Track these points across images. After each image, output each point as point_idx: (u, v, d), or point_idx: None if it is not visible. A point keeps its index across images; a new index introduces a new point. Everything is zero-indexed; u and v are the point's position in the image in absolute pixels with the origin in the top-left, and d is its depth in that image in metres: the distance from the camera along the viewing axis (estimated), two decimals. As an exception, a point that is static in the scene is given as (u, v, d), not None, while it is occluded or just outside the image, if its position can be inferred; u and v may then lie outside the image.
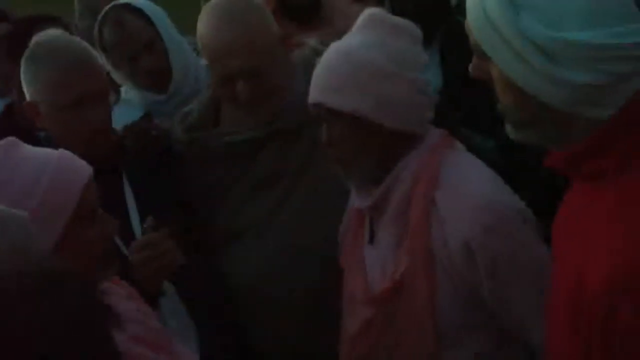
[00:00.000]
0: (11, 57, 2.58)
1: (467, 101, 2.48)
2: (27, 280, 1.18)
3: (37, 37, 2.26)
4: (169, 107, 2.74)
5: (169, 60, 2.77)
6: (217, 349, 2.17)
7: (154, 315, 1.86)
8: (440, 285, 1.87)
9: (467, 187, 1.89)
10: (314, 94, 1.96)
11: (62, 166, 1.71)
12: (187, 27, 2.36)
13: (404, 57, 1.93)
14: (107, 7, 2.78)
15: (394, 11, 2.62)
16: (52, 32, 2.33)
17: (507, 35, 1.33)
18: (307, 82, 2.01)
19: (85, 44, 2.27)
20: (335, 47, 1.97)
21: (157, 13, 2.80)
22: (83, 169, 1.75)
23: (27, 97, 2.24)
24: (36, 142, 2.08)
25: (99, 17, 2.78)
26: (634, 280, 1.22)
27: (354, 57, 1.91)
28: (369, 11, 1.99)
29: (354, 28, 1.97)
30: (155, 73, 2.78)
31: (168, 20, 2.82)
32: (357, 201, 2.03)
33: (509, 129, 1.46)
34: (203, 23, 2.26)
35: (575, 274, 1.34)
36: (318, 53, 2.10)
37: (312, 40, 2.45)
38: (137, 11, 2.77)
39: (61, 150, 1.76)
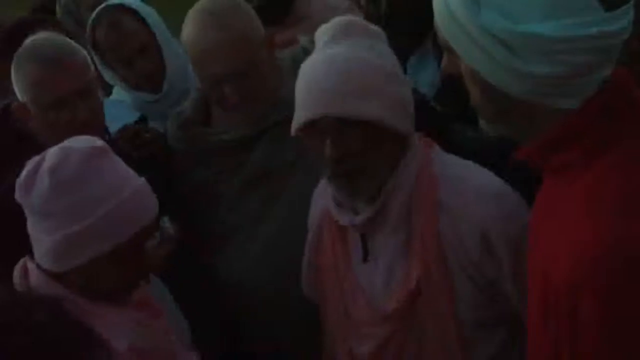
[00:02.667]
0: (5, 59, 2.58)
1: (466, 95, 2.46)
2: None
3: (27, 40, 2.29)
4: (162, 107, 2.75)
5: (163, 60, 2.76)
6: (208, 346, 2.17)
7: (160, 326, 1.86)
8: (458, 285, 1.85)
9: (470, 181, 1.88)
10: (328, 106, 1.80)
11: (135, 198, 1.71)
12: (176, 28, 2.37)
13: (396, 61, 1.92)
14: (100, 7, 2.76)
15: (390, 11, 2.62)
16: (40, 34, 2.37)
17: (469, 30, 1.36)
18: (296, 80, 1.95)
19: (68, 41, 2.29)
20: (331, 55, 1.84)
21: (151, 14, 2.79)
22: (151, 208, 1.76)
23: (19, 98, 2.26)
24: (32, 143, 2.08)
25: (92, 16, 2.76)
26: (597, 272, 1.24)
27: (368, 64, 1.83)
28: (347, 19, 1.93)
29: (331, 36, 1.87)
30: (150, 74, 2.76)
31: (161, 20, 2.81)
32: (344, 219, 1.95)
33: (481, 123, 1.50)
34: (187, 28, 2.24)
35: (543, 267, 1.36)
36: (307, 52, 2.06)
37: (303, 38, 2.45)
38: (132, 12, 2.75)
39: (141, 181, 1.76)
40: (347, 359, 2.02)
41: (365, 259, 1.96)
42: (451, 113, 2.40)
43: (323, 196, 2.04)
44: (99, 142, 1.75)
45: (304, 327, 2.24)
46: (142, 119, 2.81)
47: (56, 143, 1.86)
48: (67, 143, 1.74)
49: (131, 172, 1.76)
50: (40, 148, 1.78)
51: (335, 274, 2.02)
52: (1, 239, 2.04)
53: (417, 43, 2.68)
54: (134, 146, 2.39)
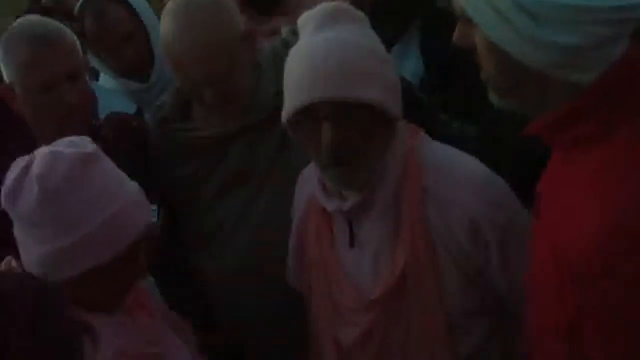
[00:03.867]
0: None
1: (450, 86, 2.49)
2: None
3: (15, 23, 2.26)
4: (151, 95, 2.75)
5: (151, 48, 2.76)
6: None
7: (151, 327, 1.81)
8: (445, 272, 1.85)
9: (458, 167, 1.87)
10: (331, 89, 1.74)
11: (128, 208, 1.63)
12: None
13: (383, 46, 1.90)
14: None
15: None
16: (28, 17, 2.33)
17: None
18: (277, 76, 1.92)
19: (57, 24, 2.26)
20: (328, 39, 1.78)
21: (139, 1, 2.78)
22: (146, 216, 1.68)
23: (6, 80, 2.24)
24: (17, 127, 2.10)
25: (80, 3, 2.77)
26: (627, 238, 1.25)
27: (365, 48, 1.79)
28: (334, 4, 1.88)
29: (320, 21, 1.82)
30: (137, 63, 2.77)
31: (149, 7, 2.81)
32: (331, 205, 1.92)
33: (492, 96, 1.48)
34: (163, 28, 2.16)
35: (552, 241, 1.36)
36: (287, 45, 2.03)
37: (284, 29, 2.42)
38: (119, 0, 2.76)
39: (134, 188, 1.69)
40: (333, 347, 2.02)
41: (352, 245, 1.95)
42: (436, 103, 2.42)
43: (309, 182, 2.03)
44: (90, 146, 1.66)
45: (288, 323, 2.26)
46: (138, 112, 2.80)
47: (42, 126, 1.81)
48: (56, 147, 1.64)
49: (124, 177, 1.68)
50: (25, 131, 1.74)
51: (320, 260, 2.01)
52: None
53: (401, 32, 2.70)
54: (117, 134, 2.35)
